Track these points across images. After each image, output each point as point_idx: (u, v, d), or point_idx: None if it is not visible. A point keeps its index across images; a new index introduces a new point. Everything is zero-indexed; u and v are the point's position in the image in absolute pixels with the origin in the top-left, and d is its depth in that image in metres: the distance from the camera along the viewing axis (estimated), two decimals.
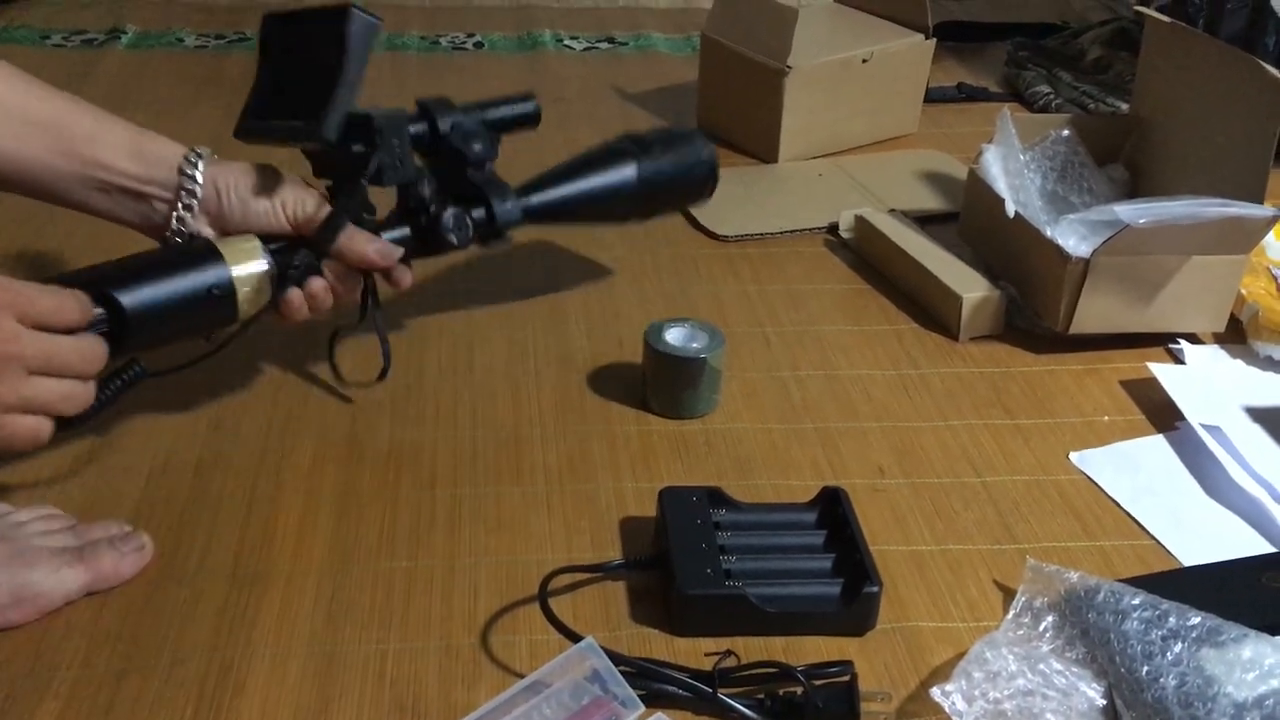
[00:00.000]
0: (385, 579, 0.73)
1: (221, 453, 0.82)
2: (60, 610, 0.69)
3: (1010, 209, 1.00)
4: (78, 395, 0.65)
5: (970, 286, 0.99)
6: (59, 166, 0.74)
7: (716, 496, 0.76)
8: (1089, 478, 0.84)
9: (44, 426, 0.64)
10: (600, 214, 0.94)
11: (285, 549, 0.74)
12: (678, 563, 0.69)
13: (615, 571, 0.73)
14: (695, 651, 0.67)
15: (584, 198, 0.90)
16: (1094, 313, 0.95)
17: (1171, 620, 0.64)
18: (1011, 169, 1.05)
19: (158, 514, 0.77)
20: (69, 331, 0.65)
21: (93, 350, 0.66)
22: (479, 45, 1.67)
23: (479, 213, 0.85)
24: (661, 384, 0.88)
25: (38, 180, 0.74)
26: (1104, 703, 0.63)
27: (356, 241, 0.79)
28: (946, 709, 0.61)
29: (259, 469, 0.81)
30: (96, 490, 0.79)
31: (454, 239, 0.83)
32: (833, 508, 0.75)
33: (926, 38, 1.35)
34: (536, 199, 0.88)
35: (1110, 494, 0.83)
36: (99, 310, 0.68)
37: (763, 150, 1.31)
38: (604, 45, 1.68)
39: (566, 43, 1.68)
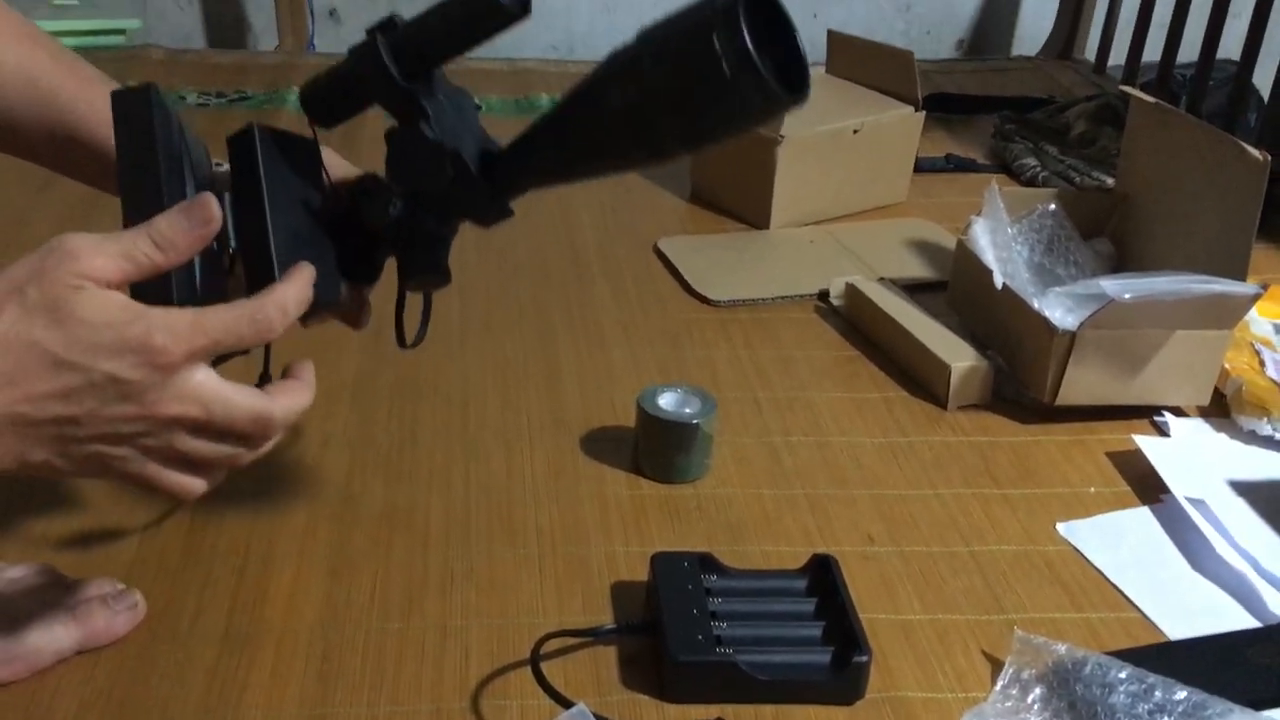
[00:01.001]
0: (377, 641, 0.73)
1: (215, 510, 0.83)
2: (51, 668, 0.68)
3: (998, 280, 1.02)
4: (239, 462, 0.61)
5: (959, 356, 1.00)
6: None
7: (708, 562, 0.76)
8: (1076, 549, 0.85)
9: (197, 486, 0.60)
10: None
11: (277, 610, 0.75)
12: (669, 628, 0.70)
13: (607, 636, 0.73)
14: (686, 718, 0.68)
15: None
16: (1080, 385, 0.96)
17: (1158, 694, 0.64)
18: (999, 241, 1.07)
19: (150, 572, 0.77)
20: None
21: (268, 420, 0.60)
22: (477, 108, 1.68)
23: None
24: (654, 448, 0.89)
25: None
26: None
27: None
28: None
29: (252, 528, 0.81)
30: (89, 547, 0.79)
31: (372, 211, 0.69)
32: (823, 575, 0.76)
33: (916, 110, 1.37)
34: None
35: (1097, 565, 0.83)
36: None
37: (755, 217, 1.33)
38: None
39: None
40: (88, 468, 0.56)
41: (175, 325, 0.54)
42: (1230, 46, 1.68)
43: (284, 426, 0.61)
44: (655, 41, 0.60)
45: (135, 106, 0.61)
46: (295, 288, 0.61)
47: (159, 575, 0.76)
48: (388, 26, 0.67)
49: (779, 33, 0.60)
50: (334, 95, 0.69)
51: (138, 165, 0.60)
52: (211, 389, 0.56)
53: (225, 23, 2.04)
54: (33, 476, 0.56)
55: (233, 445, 0.59)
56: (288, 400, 0.61)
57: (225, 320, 0.56)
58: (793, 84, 0.59)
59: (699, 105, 0.60)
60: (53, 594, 0.71)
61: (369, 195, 0.69)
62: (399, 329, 0.76)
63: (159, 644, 0.71)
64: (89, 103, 0.72)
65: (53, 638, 0.69)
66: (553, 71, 1.86)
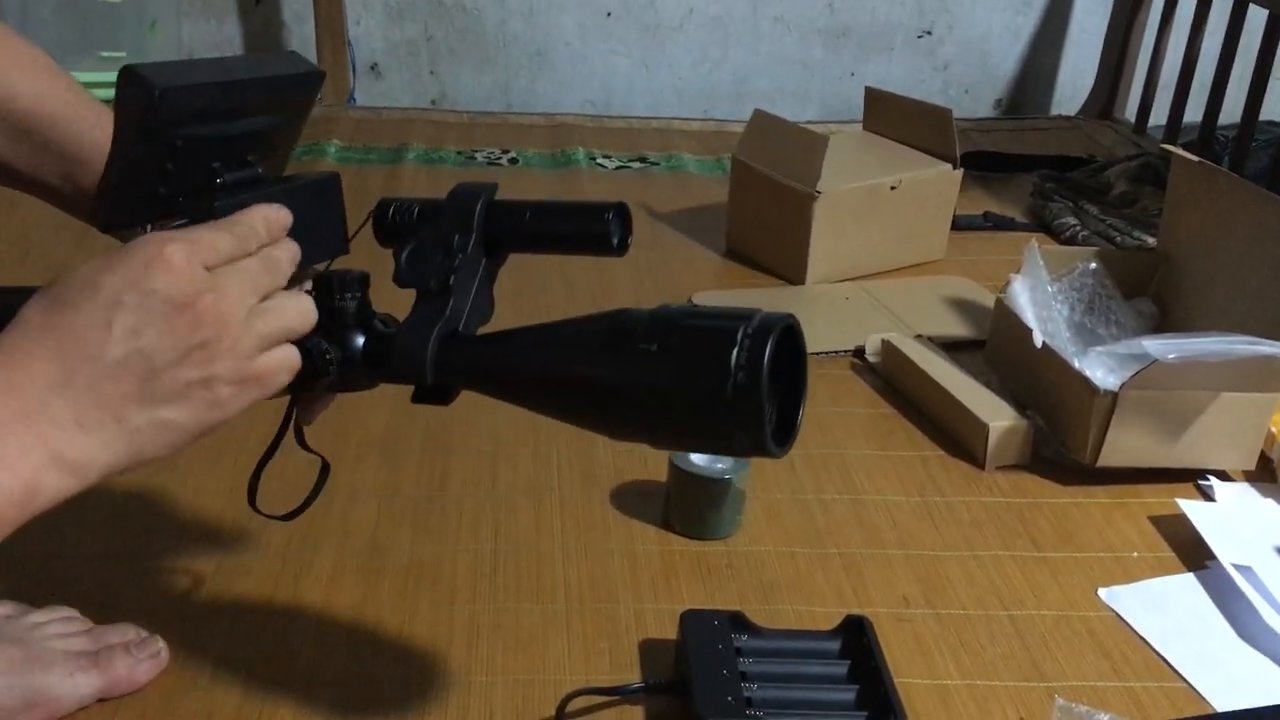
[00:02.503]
0: (400, 694, 0.71)
1: (242, 560, 0.82)
2: (72, 716, 0.68)
3: (1038, 339, 1.00)
4: (305, 307, 0.58)
5: (997, 415, 0.99)
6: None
7: (739, 621, 0.75)
8: (1118, 615, 0.83)
9: (291, 354, 0.57)
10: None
11: (301, 661, 0.74)
12: (698, 689, 0.68)
13: (634, 695, 0.72)
14: None
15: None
16: (1122, 446, 0.94)
17: None
18: (1039, 299, 1.05)
19: (174, 620, 0.76)
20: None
21: (291, 253, 0.59)
22: (514, 161, 1.70)
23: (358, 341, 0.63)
24: (685, 503, 0.87)
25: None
26: None
27: None
28: None
29: (279, 578, 0.81)
30: (114, 594, 0.78)
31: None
32: (857, 637, 0.74)
33: (954, 167, 1.37)
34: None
35: (1140, 633, 0.81)
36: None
37: (791, 272, 1.32)
38: (636, 165, 1.72)
39: (599, 161, 1.72)
40: (197, 406, 0.53)
41: (169, 234, 0.53)
42: (1272, 108, 1.67)
43: (288, 261, 0.58)
44: (668, 323, 0.56)
45: (133, 103, 0.56)
46: (265, 209, 0.58)
47: (183, 623, 0.76)
48: (493, 190, 0.64)
49: (787, 385, 0.56)
50: (407, 221, 0.65)
51: (115, 159, 0.58)
52: (228, 269, 0.54)
53: None
54: (162, 452, 0.53)
55: (270, 273, 0.56)
56: (281, 246, 0.58)
57: (207, 229, 0.55)
58: (781, 436, 0.55)
59: (680, 407, 0.55)
60: (75, 640, 0.71)
61: (334, 316, 0.62)
62: (253, 487, 0.68)
63: (181, 693, 0.70)
64: (104, 129, 0.69)
65: (74, 685, 0.68)
66: (589, 127, 1.87)
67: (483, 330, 0.63)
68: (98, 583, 0.79)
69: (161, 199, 0.59)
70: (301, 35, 2.04)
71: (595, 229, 0.61)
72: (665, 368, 0.54)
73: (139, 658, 0.70)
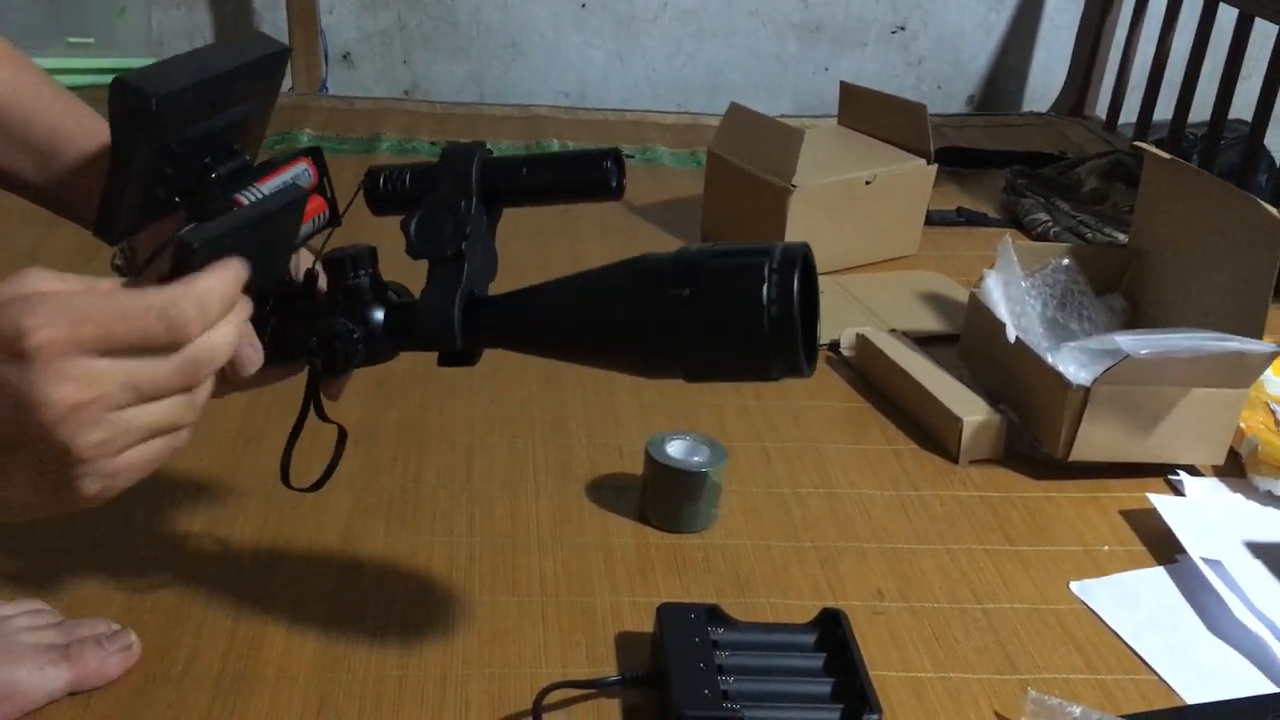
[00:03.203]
0: (375, 688, 0.71)
1: (215, 551, 0.81)
2: (42, 709, 0.67)
3: (1011, 334, 1.01)
4: (197, 402, 0.52)
5: (971, 409, 0.99)
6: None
7: (715, 614, 0.75)
8: (1090, 608, 0.83)
9: (158, 448, 0.51)
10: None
11: (273, 654, 0.73)
12: (675, 682, 0.68)
13: (611, 688, 0.71)
14: None
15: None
16: (1094, 441, 0.95)
17: None
18: (1013, 295, 1.06)
19: (146, 613, 0.75)
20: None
21: (224, 343, 0.51)
22: (488, 152, 1.69)
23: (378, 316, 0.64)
24: (661, 496, 0.87)
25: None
26: None
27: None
28: None
29: (252, 570, 0.80)
30: (84, 586, 0.77)
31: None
32: (833, 630, 0.74)
33: (929, 163, 1.37)
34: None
35: (1112, 626, 0.82)
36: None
37: None
38: None
39: None
40: (53, 497, 0.48)
41: (51, 310, 0.45)
42: (1241, 107, 1.68)
43: (205, 315, 0.50)
44: (693, 267, 0.58)
45: (130, 115, 0.54)
46: (220, 281, 0.51)
47: (154, 616, 0.75)
48: (484, 149, 0.65)
49: (807, 307, 0.58)
50: (400, 189, 0.65)
51: (115, 170, 0.56)
52: (117, 371, 0.47)
53: None
54: (12, 519, 0.49)
55: (166, 380, 0.49)
56: (193, 284, 0.50)
57: (126, 308, 0.47)
58: (808, 355, 0.58)
59: (719, 345, 0.57)
60: (45, 633, 0.70)
61: (351, 295, 0.63)
62: (285, 465, 0.68)
63: (152, 687, 0.70)
64: (76, 121, 0.68)
65: (44, 678, 0.67)
66: (564, 118, 1.87)
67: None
68: (68, 575, 0.78)
69: (160, 202, 0.58)
70: (273, 23, 2.02)
71: (595, 176, 0.63)
72: (701, 311, 0.57)
73: (110, 651, 0.70)
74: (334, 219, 0.68)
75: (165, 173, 0.57)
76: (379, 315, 0.64)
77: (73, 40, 1.79)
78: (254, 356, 0.59)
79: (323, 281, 0.66)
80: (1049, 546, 0.90)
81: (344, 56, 2.07)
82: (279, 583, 0.79)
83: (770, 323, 0.56)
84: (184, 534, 0.83)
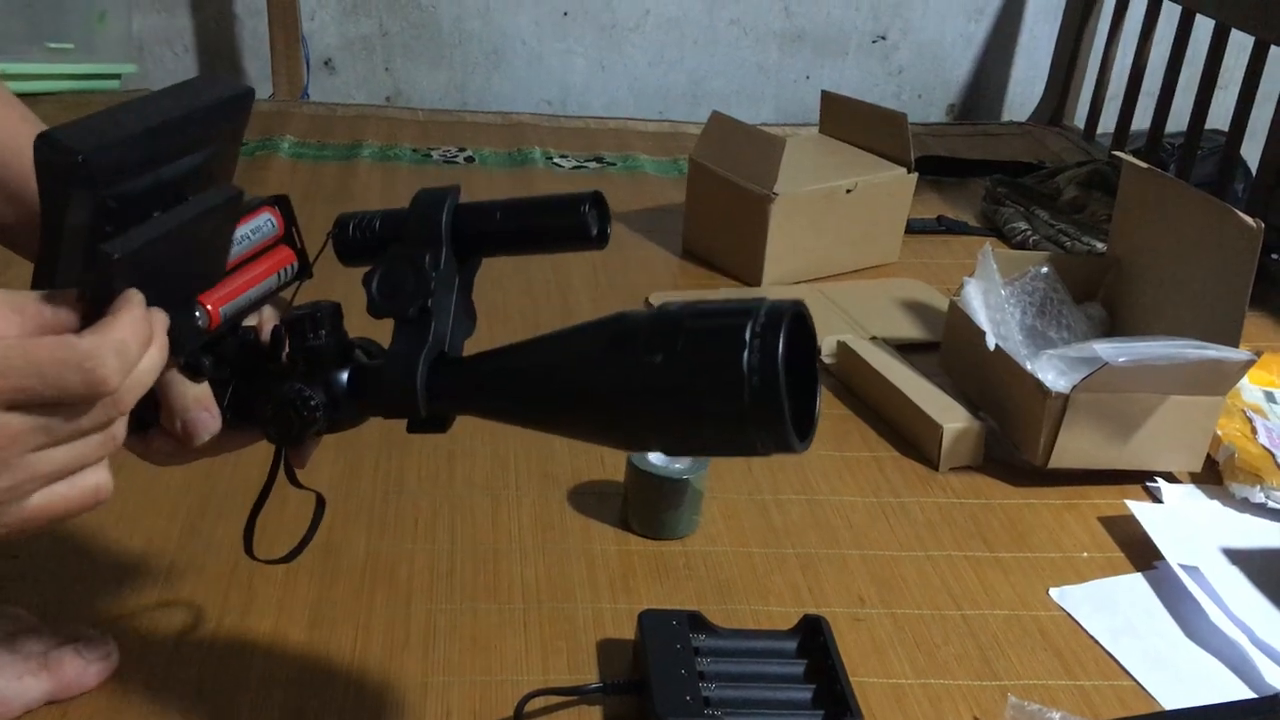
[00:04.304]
0: (355, 697, 0.71)
1: (194, 559, 0.81)
2: (20, 718, 0.66)
3: (991, 342, 1.01)
4: (116, 432, 0.51)
5: (951, 417, 1.00)
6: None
7: (697, 621, 0.75)
8: (1069, 614, 0.84)
9: (75, 493, 0.50)
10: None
11: (255, 662, 0.73)
12: (656, 689, 0.68)
13: (592, 695, 0.71)
14: None
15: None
16: (1073, 448, 0.96)
17: None
18: (992, 303, 1.06)
19: (125, 619, 0.75)
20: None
21: (79, 357, 0.47)
22: (470, 160, 1.69)
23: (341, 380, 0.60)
24: (643, 504, 0.87)
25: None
26: None
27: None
28: None
29: (231, 577, 0.79)
30: (64, 591, 0.77)
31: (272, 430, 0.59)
32: (813, 636, 0.74)
33: (909, 171, 1.38)
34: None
35: (1090, 632, 0.82)
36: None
37: (746, 273, 1.33)
38: (592, 165, 1.71)
39: (556, 160, 1.71)
40: None
41: None
42: (1218, 117, 1.70)
43: (125, 362, 0.48)
44: (668, 329, 0.51)
45: (56, 173, 0.50)
46: (134, 322, 0.49)
47: (134, 622, 0.75)
48: (456, 193, 0.60)
49: (800, 371, 0.52)
50: (369, 237, 0.61)
51: (47, 229, 0.52)
52: (19, 421, 0.46)
53: (221, 70, 2.05)
54: None
55: (82, 426, 0.48)
56: (109, 331, 0.48)
57: (41, 360, 0.45)
58: (801, 429, 0.51)
59: (695, 417, 0.51)
60: (23, 641, 0.69)
61: (311, 358, 0.59)
62: (248, 535, 0.65)
63: (130, 695, 0.69)
64: (16, 152, 0.64)
65: (22, 688, 0.67)
66: (546, 126, 1.87)
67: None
68: (47, 581, 0.78)
69: None
70: (254, 29, 2.01)
71: (573, 222, 0.58)
72: (674, 380, 0.50)
73: (89, 659, 0.69)
74: (304, 270, 0.64)
75: (104, 230, 0.52)
76: (343, 379, 0.59)
77: (52, 46, 1.78)
78: (210, 423, 0.57)
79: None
80: (1028, 553, 0.90)
81: (325, 63, 2.07)
82: (260, 590, 0.78)
83: (751, 394, 0.48)
84: (164, 540, 0.82)
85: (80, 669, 0.69)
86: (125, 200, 0.53)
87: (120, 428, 0.51)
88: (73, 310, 0.51)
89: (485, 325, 0.63)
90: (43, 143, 0.49)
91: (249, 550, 0.65)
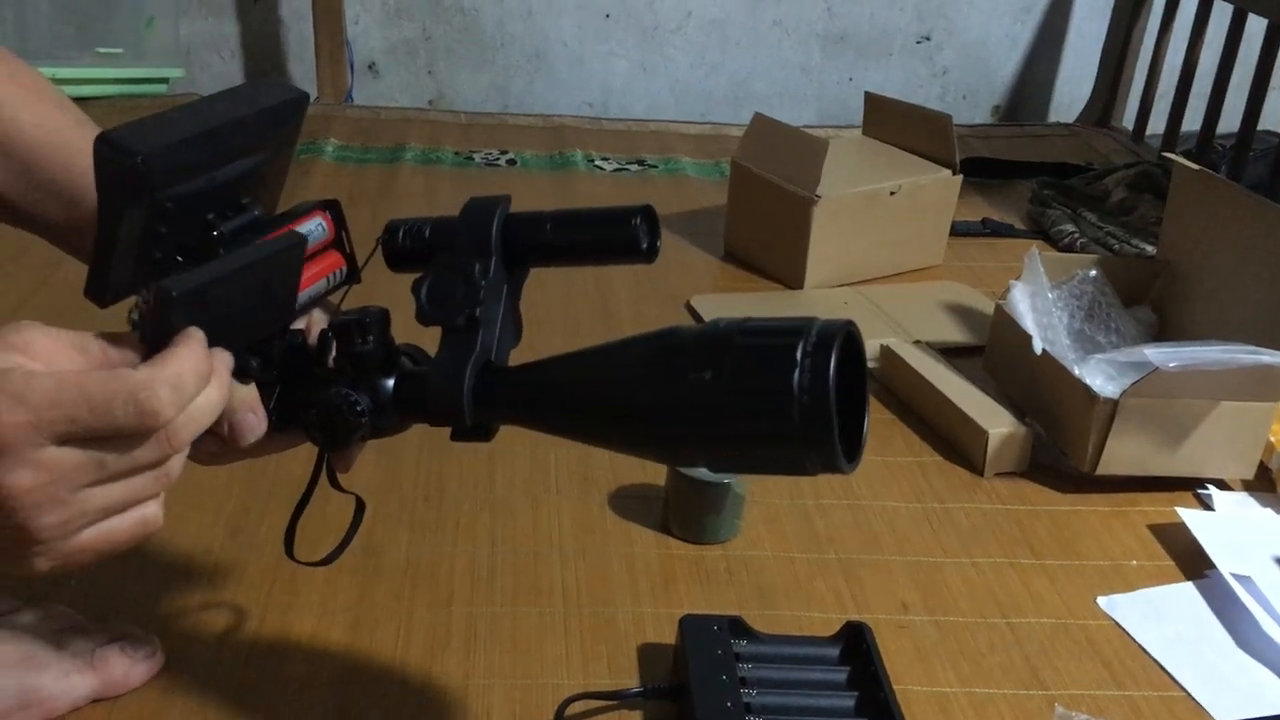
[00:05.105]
0: (397, 697, 0.71)
1: (238, 558, 0.81)
2: (65, 717, 0.67)
3: (1038, 346, 1.00)
4: (172, 470, 0.51)
5: (996, 422, 0.99)
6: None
7: (738, 626, 0.74)
8: (1117, 624, 0.82)
9: (123, 528, 0.50)
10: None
11: (297, 662, 0.73)
12: (697, 695, 0.68)
13: (632, 700, 0.71)
14: None
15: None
16: (1122, 454, 0.94)
17: None
18: (1039, 306, 1.05)
19: (171, 618, 0.75)
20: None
21: (144, 397, 0.48)
22: (511, 162, 1.70)
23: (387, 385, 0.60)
24: (684, 507, 0.87)
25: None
26: None
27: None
28: None
29: (275, 576, 0.80)
30: (109, 590, 0.78)
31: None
32: (856, 644, 0.74)
33: (954, 173, 1.37)
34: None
35: (1139, 642, 0.81)
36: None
37: (789, 276, 1.32)
38: (634, 167, 1.71)
39: (597, 163, 1.71)
40: (9, 566, 0.48)
41: (21, 394, 0.44)
42: (1271, 118, 1.67)
43: (180, 398, 0.48)
44: (718, 345, 0.51)
45: (115, 174, 0.52)
46: (192, 356, 0.49)
47: (179, 622, 0.75)
48: (506, 203, 0.60)
49: (850, 391, 0.51)
50: (419, 244, 0.61)
51: (103, 229, 0.53)
52: (74, 457, 0.46)
53: (266, 74, 2.07)
54: None
55: (135, 462, 0.48)
56: (165, 365, 0.48)
57: (93, 392, 0.46)
58: (850, 450, 0.50)
59: (743, 437, 0.50)
60: (70, 639, 0.70)
61: (358, 363, 0.59)
62: (289, 538, 0.66)
63: (176, 694, 0.70)
64: (71, 155, 0.66)
65: (69, 686, 0.67)
66: (588, 129, 1.87)
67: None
68: (93, 580, 0.78)
69: (157, 262, 0.55)
70: (299, 33, 2.03)
71: (623, 235, 0.58)
72: (722, 398, 0.50)
73: (134, 658, 0.70)
74: (353, 275, 0.64)
75: (159, 232, 0.53)
76: (388, 385, 0.59)
77: (102, 50, 1.81)
78: (257, 425, 0.57)
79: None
80: (1075, 561, 0.89)
81: (369, 66, 2.08)
82: (302, 591, 0.79)
83: (801, 415, 0.48)
84: (207, 540, 0.83)
85: (126, 668, 0.69)
86: (181, 202, 0.54)
87: (176, 465, 0.51)
88: (135, 350, 0.51)
89: (525, 326, 0.63)
90: (102, 143, 0.50)
91: (289, 553, 0.65)
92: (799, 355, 0.48)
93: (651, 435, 0.53)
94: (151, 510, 0.51)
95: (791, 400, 0.48)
